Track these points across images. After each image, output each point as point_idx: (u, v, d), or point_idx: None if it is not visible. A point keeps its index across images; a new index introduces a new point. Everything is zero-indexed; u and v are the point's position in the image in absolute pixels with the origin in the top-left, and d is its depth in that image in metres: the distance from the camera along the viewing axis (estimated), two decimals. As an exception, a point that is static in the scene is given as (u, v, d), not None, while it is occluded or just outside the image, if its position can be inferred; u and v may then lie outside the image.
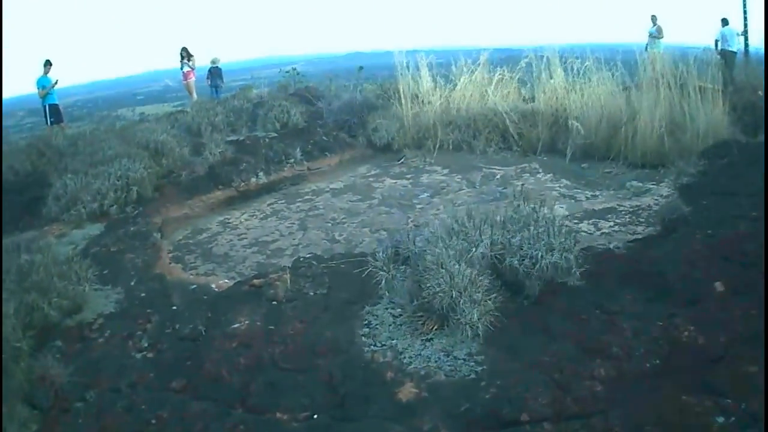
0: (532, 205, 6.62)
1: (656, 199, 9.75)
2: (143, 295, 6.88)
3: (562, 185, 10.96)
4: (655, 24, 18.72)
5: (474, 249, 5.59)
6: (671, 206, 8.38)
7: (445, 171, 12.44)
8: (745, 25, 20.81)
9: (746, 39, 20.65)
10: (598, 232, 8.43)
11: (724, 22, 18.66)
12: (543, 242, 5.74)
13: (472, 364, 4.82)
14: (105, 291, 7.00)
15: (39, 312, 5.95)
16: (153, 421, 4.53)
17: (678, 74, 13.02)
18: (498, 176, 11.80)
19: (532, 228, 5.95)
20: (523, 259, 5.60)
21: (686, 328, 4.88)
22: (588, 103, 13.36)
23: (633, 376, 4.47)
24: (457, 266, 5.24)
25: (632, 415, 3.97)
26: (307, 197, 11.35)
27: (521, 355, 4.83)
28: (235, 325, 5.74)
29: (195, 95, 20.62)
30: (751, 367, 4.18)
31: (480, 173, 12.04)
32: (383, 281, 5.90)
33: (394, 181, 12.03)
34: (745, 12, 20.90)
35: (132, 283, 7.22)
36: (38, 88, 16.59)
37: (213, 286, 7.18)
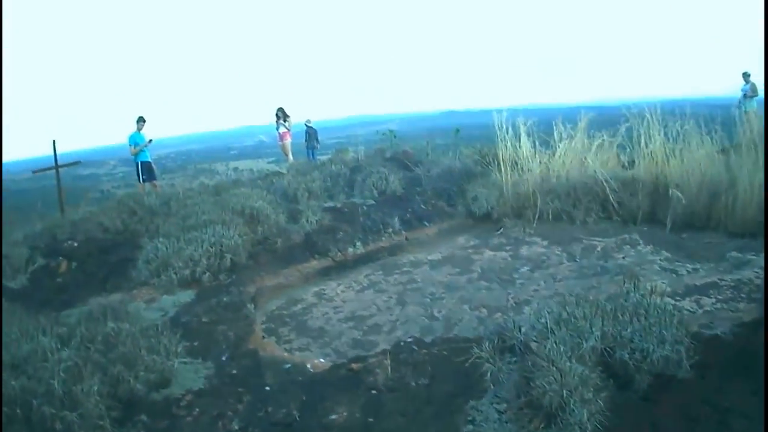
0: (641, 293, 6.32)
1: (756, 272, 9.27)
2: (234, 371, 6.76)
3: (662, 258, 10.60)
4: (747, 82, 18.19)
5: (584, 342, 5.34)
6: None
7: (545, 242, 12.25)
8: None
9: None
10: (701, 310, 8.01)
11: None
12: (655, 334, 5.46)
13: None
14: (194, 365, 6.90)
15: (125, 385, 5.83)
16: None
17: (785, 135, 12.59)
18: (598, 248, 11.52)
19: (642, 318, 5.68)
20: (634, 352, 5.33)
21: None
22: (688, 169, 12.92)
23: None
24: (568, 363, 4.99)
25: None
26: (405, 269, 11.18)
27: None
28: (333, 416, 5.50)
29: (291, 156, 20.91)
30: None
31: (580, 245, 11.83)
32: (489, 373, 5.58)
33: (494, 252, 11.85)
34: None
35: (223, 358, 7.11)
36: (130, 145, 17.23)
37: (308, 365, 7.01)
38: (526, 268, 10.67)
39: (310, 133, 22.00)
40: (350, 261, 11.58)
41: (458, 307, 9.12)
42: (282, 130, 20.94)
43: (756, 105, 17.17)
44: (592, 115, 15.59)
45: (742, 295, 8.37)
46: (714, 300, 8.27)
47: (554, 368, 4.93)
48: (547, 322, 5.76)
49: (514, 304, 8.92)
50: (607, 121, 16.23)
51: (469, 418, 5.24)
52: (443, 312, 8.96)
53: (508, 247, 12.09)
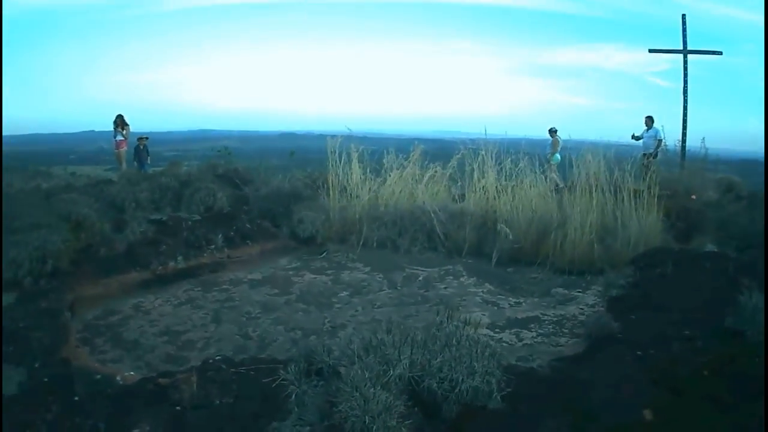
0: (455, 323, 6.50)
1: (581, 308, 9.92)
2: (46, 379, 6.51)
3: (485, 290, 11.03)
4: (552, 137, 19.59)
5: (391, 370, 5.42)
6: (599, 322, 8.29)
7: (367, 269, 12.48)
8: (684, 125, 21.61)
9: (684, 140, 21.39)
10: (520, 343, 8.43)
11: (648, 123, 19.70)
12: (465, 365, 5.60)
13: None
14: (7, 370, 6.57)
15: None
16: None
17: (613, 178, 13.45)
18: (421, 278, 11.90)
19: (454, 349, 5.81)
20: (443, 382, 5.44)
21: None
22: (518, 206, 13.63)
23: None
24: (372, 390, 5.05)
25: None
26: (224, 286, 11.14)
27: None
28: (135, 431, 5.38)
29: (125, 165, 20.42)
30: None
31: (402, 273, 12.13)
32: (293, 396, 5.65)
33: (315, 276, 11.96)
34: (685, 110, 21.82)
35: (36, 365, 6.84)
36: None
37: (118, 377, 6.82)
38: (345, 293, 10.86)
39: (140, 151, 21.60)
40: (171, 275, 11.36)
41: (273, 327, 9.25)
42: (119, 138, 20.58)
43: (558, 159, 18.15)
44: (425, 146, 16.31)
45: (564, 330, 8.92)
46: (534, 334, 8.74)
47: (357, 394, 5.00)
48: (355, 348, 5.87)
49: (329, 328, 9.12)
50: (442, 151, 16.87)
51: None
52: (258, 332, 9.05)
53: (329, 271, 12.28)
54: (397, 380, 5.36)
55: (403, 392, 5.36)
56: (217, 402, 5.85)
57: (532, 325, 9.17)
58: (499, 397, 5.55)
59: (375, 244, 13.70)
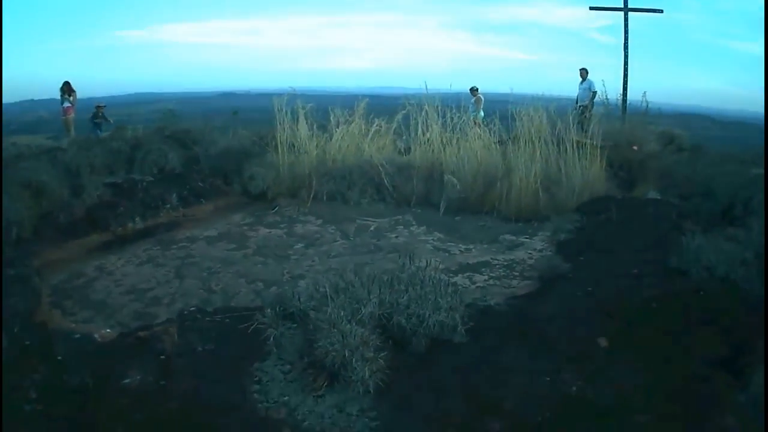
0: (417, 264, 6.89)
1: (530, 253, 10.27)
2: (28, 343, 6.64)
3: (435, 238, 11.33)
4: (474, 96, 19.95)
5: (363, 308, 5.80)
6: (550, 263, 8.89)
7: (319, 221, 12.66)
8: (625, 79, 22.22)
9: (625, 94, 22.01)
10: (473, 286, 8.72)
11: (583, 75, 20.40)
12: (430, 302, 6.02)
13: (366, 420, 4.98)
14: None
15: None
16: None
17: (556, 130, 13.92)
18: (372, 228, 12.13)
19: (418, 288, 6.22)
20: (411, 318, 5.87)
21: (574, 382, 5.22)
22: (464, 158, 13.97)
23: (527, 429, 4.75)
24: (348, 326, 5.45)
25: None
26: (182, 244, 11.29)
27: (413, 411, 5.02)
28: (127, 381, 5.61)
29: (73, 132, 20.39)
30: (640, 416, 4.67)
31: (354, 225, 12.36)
32: (271, 338, 5.99)
33: (269, 230, 12.15)
34: (626, 65, 22.46)
35: (15, 330, 6.88)
36: None
37: (96, 336, 6.98)
38: (300, 245, 11.06)
39: (100, 114, 21.46)
40: (130, 235, 11.56)
41: (235, 280, 9.41)
42: (66, 105, 20.63)
43: (482, 115, 18.60)
44: (369, 101, 16.50)
45: (515, 273, 9.26)
46: (486, 277, 9.06)
47: (336, 330, 5.38)
48: (326, 291, 6.19)
49: (289, 278, 9.30)
50: (385, 108, 17.02)
51: (256, 379, 5.60)
52: (220, 285, 9.20)
53: (282, 225, 12.49)
54: (369, 318, 5.75)
55: (375, 329, 5.76)
56: (199, 348, 6.16)
57: (484, 270, 9.45)
58: (463, 331, 6.01)
59: (325, 198, 13.97)
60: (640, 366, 5.43)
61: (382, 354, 5.41)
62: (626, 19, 22.65)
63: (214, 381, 5.60)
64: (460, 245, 10.91)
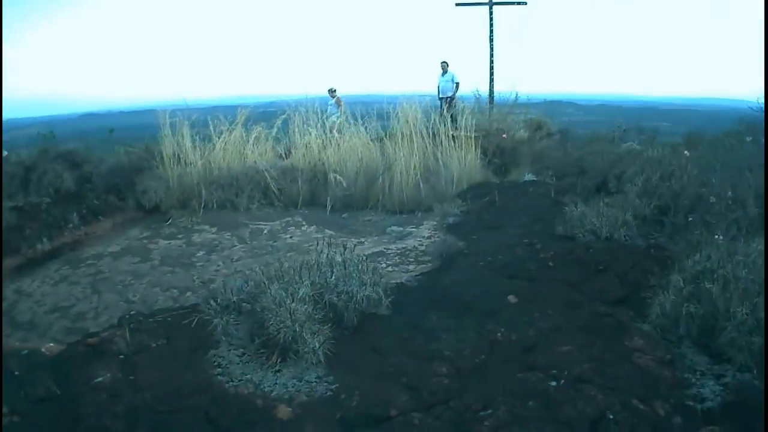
0: (335, 250, 7.56)
1: (419, 240, 11.12)
2: None
3: (326, 235, 11.98)
4: (333, 97, 20.34)
5: (298, 290, 6.38)
6: (445, 243, 9.78)
7: (214, 229, 13.38)
8: (491, 72, 23.44)
9: (492, 86, 23.20)
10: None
11: (444, 68, 20.74)
12: (355, 280, 6.81)
13: (326, 384, 5.60)
14: None
15: None
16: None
17: (430, 125, 15.17)
18: (265, 231, 12.95)
19: (342, 268, 7.01)
20: (341, 295, 6.61)
21: (497, 330, 6.07)
22: (345, 157, 15.03)
23: (469, 369, 5.52)
24: (293, 304, 6.07)
25: (483, 393, 5.00)
26: (89, 261, 11.54)
27: (365, 371, 5.71)
28: (98, 379, 5.90)
29: None
30: (561, 347, 5.57)
31: (248, 229, 13.20)
32: (219, 327, 6.47)
33: (168, 241, 12.75)
34: (491, 58, 23.72)
35: None
36: None
37: (44, 349, 6.99)
38: (202, 253, 11.66)
39: None
40: (39, 257, 11.76)
41: (150, 290, 9.82)
42: None
43: (336, 118, 18.71)
44: (255, 108, 17.41)
45: (410, 259, 10.04)
46: (385, 264, 9.67)
47: (283, 309, 6.02)
48: (262, 279, 6.85)
49: (200, 283, 9.84)
50: (268, 114, 17.81)
51: (215, 364, 6.15)
52: (137, 296, 9.58)
53: (180, 236, 13.02)
54: (305, 298, 6.37)
55: (314, 307, 6.43)
56: (153, 345, 6.60)
57: (380, 258, 10.04)
58: (387, 303, 6.88)
59: (215, 206, 14.61)
60: (551, 312, 6.41)
61: (325, 327, 6.12)
62: (491, 14, 23.92)
63: (178, 370, 6.09)
64: (352, 239, 11.55)
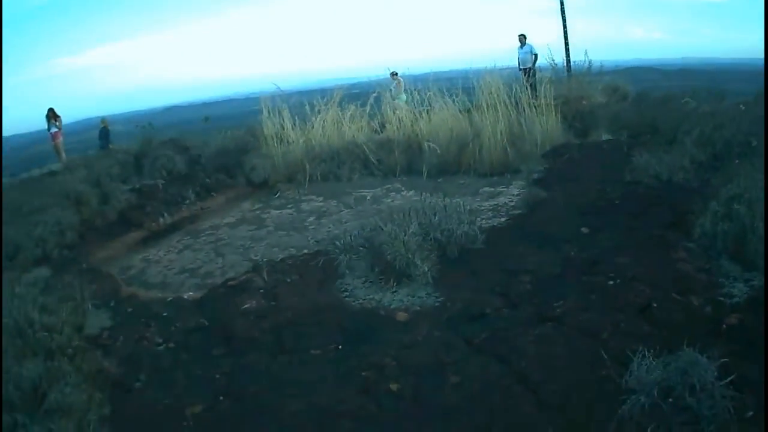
0: (438, 198, 9.08)
1: (510, 198, 11.75)
2: (130, 310, 7.79)
3: (425, 198, 12.32)
4: (394, 79, 20.58)
5: (409, 228, 7.74)
6: (531, 193, 10.87)
7: (321, 198, 13.99)
8: (566, 40, 23.50)
9: (568, 54, 23.15)
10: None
11: (522, 40, 20.94)
12: (455, 219, 8.19)
13: (434, 297, 7.06)
14: (93, 313, 7.70)
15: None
16: (217, 376, 5.87)
17: (512, 94, 15.61)
18: (368, 197, 13.55)
19: (444, 211, 8.43)
20: (443, 232, 8.00)
21: (571, 251, 7.68)
22: (437, 128, 15.61)
23: (547, 278, 7.01)
24: (406, 237, 7.44)
25: (557, 292, 6.55)
26: (208, 232, 12.29)
27: (465, 287, 7.15)
28: (246, 305, 7.25)
29: (64, 156, 20.61)
30: (620, 259, 7.11)
31: (352, 197, 13.68)
32: (343, 262, 7.91)
33: (279, 211, 13.41)
34: (565, 27, 23.73)
35: (112, 304, 8.02)
36: None
37: (185, 296, 8.24)
38: (312, 218, 12.37)
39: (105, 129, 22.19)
40: (161, 231, 12.65)
41: (269, 250, 10.43)
42: (53, 130, 20.72)
43: (404, 98, 19.28)
44: (347, 88, 18.32)
45: (502, 213, 10.73)
46: (479, 218, 10.03)
47: (398, 240, 7.39)
48: (378, 223, 8.18)
49: (315, 242, 10.45)
50: (359, 94, 18.70)
51: (342, 289, 7.58)
52: (259, 255, 9.99)
53: (289, 206, 13.70)
54: (415, 233, 7.77)
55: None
56: (288, 280, 8.03)
57: (475, 214, 10.43)
58: (482, 239, 8.33)
59: (319, 179, 15.32)
60: (614, 236, 7.96)
61: (432, 255, 7.56)
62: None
63: (311, 296, 7.49)
64: (448, 200, 12.01)
